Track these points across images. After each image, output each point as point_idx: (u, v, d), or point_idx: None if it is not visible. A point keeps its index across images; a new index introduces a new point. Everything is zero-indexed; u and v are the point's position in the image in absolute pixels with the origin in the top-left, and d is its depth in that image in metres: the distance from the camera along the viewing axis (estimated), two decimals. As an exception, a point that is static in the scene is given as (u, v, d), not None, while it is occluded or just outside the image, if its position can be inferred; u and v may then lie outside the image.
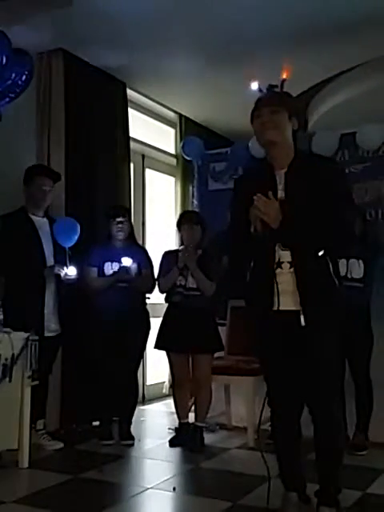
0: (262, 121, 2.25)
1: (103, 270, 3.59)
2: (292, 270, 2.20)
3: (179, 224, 3.69)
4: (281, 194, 2.23)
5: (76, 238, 3.47)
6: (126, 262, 3.52)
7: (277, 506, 2.37)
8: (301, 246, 2.19)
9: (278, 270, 2.22)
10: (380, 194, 3.87)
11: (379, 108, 4.12)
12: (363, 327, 3.38)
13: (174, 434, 3.65)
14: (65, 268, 3.39)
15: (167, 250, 3.78)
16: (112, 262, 3.58)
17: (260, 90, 2.36)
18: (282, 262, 2.22)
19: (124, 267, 3.52)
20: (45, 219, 3.56)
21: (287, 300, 2.20)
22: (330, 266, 2.24)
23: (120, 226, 3.63)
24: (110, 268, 3.58)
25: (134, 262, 3.59)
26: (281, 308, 2.21)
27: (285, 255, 2.22)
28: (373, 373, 3.40)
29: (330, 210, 2.15)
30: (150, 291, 3.72)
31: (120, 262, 3.55)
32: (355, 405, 3.37)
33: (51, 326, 3.44)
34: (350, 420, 3.24)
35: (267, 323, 2.26)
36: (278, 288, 2.20)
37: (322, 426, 2.25)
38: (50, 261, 3.46)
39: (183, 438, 3.55)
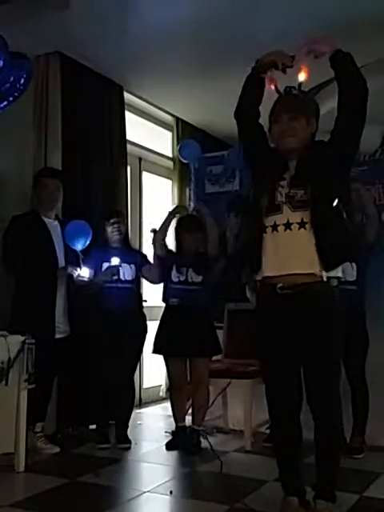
0: (280, 128, 2.30)
1: (102, 271, 3.58)
2: (302, 230, 2.21)
3: (177, 230, 3.70)
4: (290, 173, 2.29)
5: (88, 241, 3.48)
6: (115, 261, 3.54)
7: (276, 511, 2.36)
8: (319, 206, 2.21)
9: (288, 232, 2.23)
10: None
11: (375, 111, 4.13)
12: (358, 329, 3.38)
13: (170, 438, 3.64)
14: (77, 269, 3.40)
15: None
16: (109, 263, 3.58)
17: (278, 91, 2.37)
18: (291, 223, 2.23)
19: (113, 266, 3.53)
20: (56, 222, 3.58)
21: (296, 263, 2.21)
22: (344, 215, 2.27)
23: (115, 226, 3.63)
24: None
25: (131, 264, 3.59)
26: (290, 272, 2.22)
27: (295, 216, 2.23)
28: (368, 375, 3.41)
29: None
30: (156, 281, 3.72)
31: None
32: (351, 407, 3.37)
33: (60, 327, 3.44)
34: (346, 423, 3.21)
35: (272, 304, 2.28)
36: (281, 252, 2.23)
37: (322, 423, 2.27)
38: (62, 262, 3.48)
39: (180, 441, 3.54)
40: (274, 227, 2.25)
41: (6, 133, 3.79)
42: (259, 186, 2.36)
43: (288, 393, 2.31)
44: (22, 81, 3.41)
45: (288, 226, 2.23)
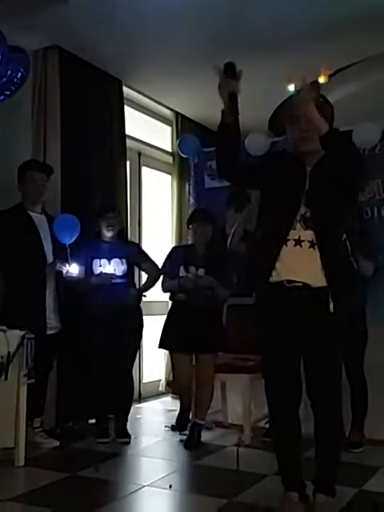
0: (301, 129, 2.29)
1: (91, 267, 3.57)
2: (312, 249, 2.24)
3: (189, 222, 3.70)
4: (307, 186, 2.31)
5: (76, 234, 3.45)
6: (109, 269, 3.53)
7: (276, 505, 2.37)
8: (325, 229, 2.25)
9: (297, 248, 2.26)
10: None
11: (375, 106, 4.12)
12: (358, 325, 3.38)
13: (176, 419, 3.63)
14: (67, 265, 3.39)
15: (175, 245, 3.77)
16: (100, 259, 3.58)
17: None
18: (302, 241, 2.26)
19: (108, 274, 3.52)
20: (43, 216, 3.54)
21: (302, 274, 2.24)
22: (349, 249, 2.29)
23: (110, 221, 3.62)
24: (98, 265, 3.58)
25: (122, 258, 3.59)
26: (293, 279, 2.25)
27: (306, 234, 2.25)
28: (367, 370, 3.41)
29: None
30: (158, 279, 3.71)
31: (109, 258, 3.56)
32: (351, 402, 3.38)
33: (52, 323, 3.43)
34: (345, 417, 3.22)
35: (275, 298, 2.28)
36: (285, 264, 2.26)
37: (323, 417, 2.28)
38: (50, 258, 3.45)
39: (186, 418, 3.58)
40: (285, 241, 2.27)
41: (4, 127, 3.78)
42: (280, 201, 2.33)
43: (288, 387, 2.32)
44: (20, 75, 3.41)
45: (299, 242, 2.26)
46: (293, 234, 2.27)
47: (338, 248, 2.28)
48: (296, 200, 2.29)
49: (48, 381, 3.55)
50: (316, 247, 2.25)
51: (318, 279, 2.24)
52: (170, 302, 3.72)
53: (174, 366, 3.64)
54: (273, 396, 2.36)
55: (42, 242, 3.44)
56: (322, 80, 2.36)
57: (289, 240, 2.27)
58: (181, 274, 3.53)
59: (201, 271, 3.51)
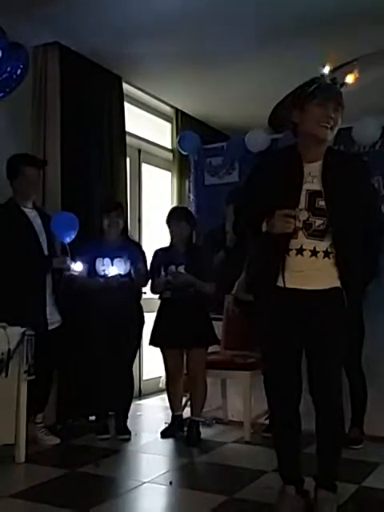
0: (326, 114, 2.20)
1: (94, 266, 3.55)
2: (313, 258, 2.22)
3: (168, 220, 3.70)
4: (309, 186, 2.25)
5: (75, 233, 3.44)
6: (113, 271, 3.51)
7: (274, 500, 2.37)
8: (338, 235, 2.21)
9: (298, 257, 2.23)
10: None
11: (375, 102, 4.12)
12: (354, 321, 3.37)
13: (166, 426, 3.65)
14: (72, 262, 3.37)
15: (157, 248, 3.78)
16: (103, 258, 3.56)
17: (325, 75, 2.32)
18: (304, 250, 2.23)
19: (112, 276, 3.50)
20: (34, 211, 3.51)
21: (309, 284, 2.22)
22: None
23: (114, 219, 3.61)
24: (101, 264, 3.56)
25: (126, 259, 3.58)
26: (300, 288, 2.23)
27: (307, 243, 2.22)
28: (366, 366, 3.41)
29: (362, 211, 2.26)
30: (145, 285, 3.72)
31: (112, 258, 3.54)
32: (350, 399, 3.38)
33: (52, 318, 3.42)
34: (345, 414, 3.24)
35: (279, 304, 2.26)
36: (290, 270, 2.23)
37: (324, 413, 2.28)
38: (46, 253, 3.44)
39: (175, 430, 3.58)
40: (287, 250, 2.25)
41: (4, 124, 3.77)
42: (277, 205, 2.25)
43: (288, 382, 2.32)
44: (19, 71, 3.40)
45: (300, 251, 2.23)
46: (295, 244, 2.23)
47: (352, 256, 2.23)
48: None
49: (52, 376, 3.54)
50: (319, 256, 2.21)
51: (326, 284, 2.23)
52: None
53: (164, 362, 3.66)
54: (273, 391, 2.36)
55: (38, 237, 3.43)
56: (350, 80, 2.33)
57: (291, 249, 2.24)
58: (162, 273, 3.54)
59: (181, 268, 3.51)
